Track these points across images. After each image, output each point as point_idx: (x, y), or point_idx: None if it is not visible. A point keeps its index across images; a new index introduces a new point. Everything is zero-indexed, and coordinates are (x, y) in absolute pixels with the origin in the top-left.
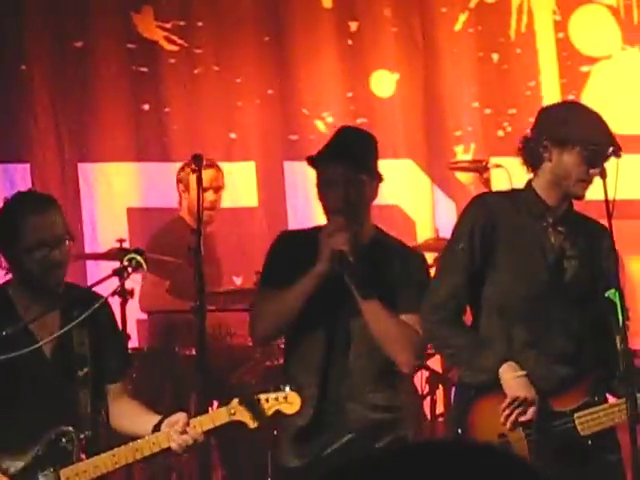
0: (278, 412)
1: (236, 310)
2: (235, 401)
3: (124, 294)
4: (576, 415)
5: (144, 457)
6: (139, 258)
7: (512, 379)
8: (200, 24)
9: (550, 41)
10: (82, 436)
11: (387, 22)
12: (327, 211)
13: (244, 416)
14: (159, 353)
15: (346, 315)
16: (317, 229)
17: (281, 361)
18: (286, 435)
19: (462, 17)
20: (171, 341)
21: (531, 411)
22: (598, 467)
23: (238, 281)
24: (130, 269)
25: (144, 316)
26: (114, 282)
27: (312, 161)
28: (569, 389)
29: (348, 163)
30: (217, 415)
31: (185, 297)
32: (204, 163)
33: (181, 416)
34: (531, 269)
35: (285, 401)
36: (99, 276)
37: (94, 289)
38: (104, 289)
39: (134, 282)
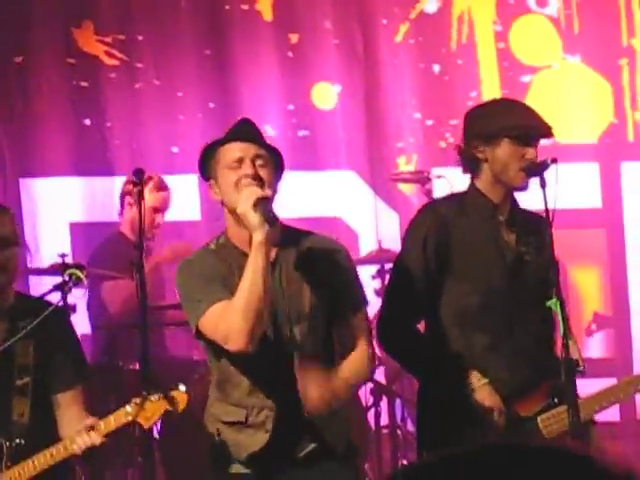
0: (166, 411)
1: (179, 324)
2: (133, 401)
3: (66, 309)
4: (540, 418)
5: (58, 460)
6: (79, 273)
7: (476, 389)
8: (140, 38)
9: (491, 51)
10: (13, 444)
11: (328, 34)
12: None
13: (140, 416)
14: (103, 368)
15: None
16: None
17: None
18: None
19: (403, 28)
20: (115, 356)
21: (499, 420)
22: None
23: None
24: (71, 284)
25: (88, 331)
26: (58, 297)
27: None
28: (531, 392)
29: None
30: (117, 416)
31: (130, 312)
32: (160, 185)
33: (90, 419)
34: (489, 271)
35: (172, 400)
36: (42, 291)
37: (46, 298)
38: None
39: (76, 297)
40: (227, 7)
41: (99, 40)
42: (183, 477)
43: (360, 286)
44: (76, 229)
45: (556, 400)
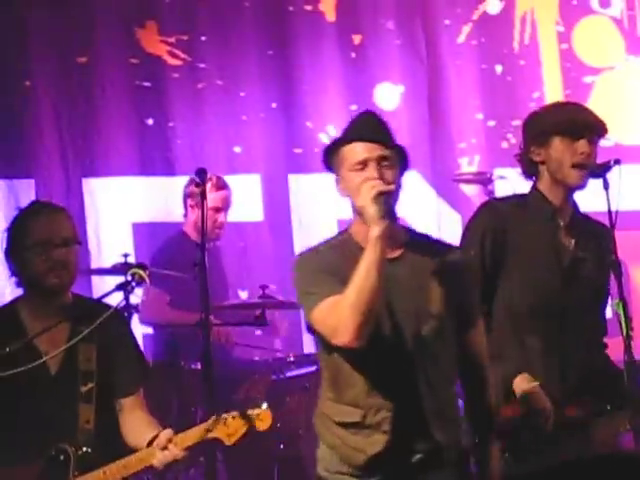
0: (252, 428)
1: (241, 324)
2: (212, 418)
3: (129, 309)
4: (591, 423)
5: (132, 473)
6: (142, 272)
7: (526, 391)
8: (203, 38)
9: (553, 52)
10: (80, 452)
11: (390, 35)
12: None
13: (220, 432)
14: (165, 367)
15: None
16: None
17: (287, 374)
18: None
19: (465, 29)
20: (177, 355)
21: (547, 423)
22: None
23: (243, 295)
24: (133, 283)
25: (150, 331)
26: (121, 297)
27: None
28: (583, 396)
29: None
30: (195, 432)
31: (189, 310)
32: (219, 183)
33: (164, 433)
34: (544, 273)
35: (257, 418)
36: (104, 291)
37: (104, 300)
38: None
39: (139, 297)
40: (290, 8)
41: (162, 40)
42: (245, 477)
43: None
44: (138, 229)
45: (609, 406)
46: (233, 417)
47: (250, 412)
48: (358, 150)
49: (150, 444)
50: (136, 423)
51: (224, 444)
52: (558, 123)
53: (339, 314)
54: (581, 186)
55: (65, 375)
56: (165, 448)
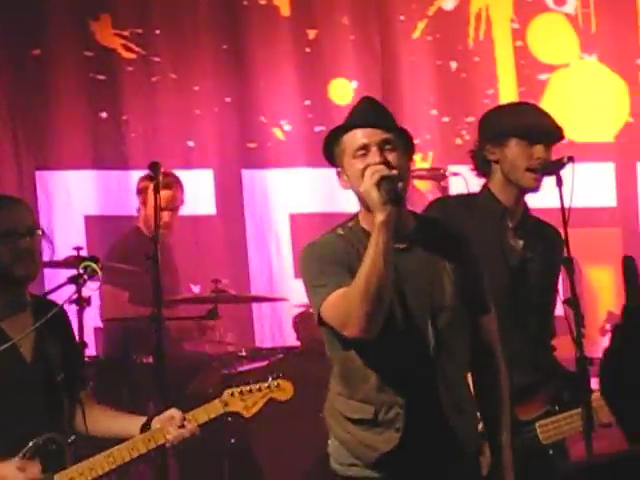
0: (271, 400)
1: (194, 318)
2: (227, 392)
3: (81, 302)
4: (538, 424)
5: (140, 454)
6: (94, 266)
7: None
8: (158, 32)
9: (508, 49)
10: (69, 440)
11: (345, 30)
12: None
13: (237, 406)
14: (116, 361)
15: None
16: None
17: (239, 368)
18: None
19: (420, 25)
20: (128, 349)
21: None
22: (558, 476)
23: (196, 289)
24: (86, 277)
25: (101, 324)
26: (72, 290)
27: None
28: (530, 397)
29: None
30: (211, 407)
31: (145, 305)
32: (164, 181)
33: (175, 412)
34: (492, 273)
35: (278, 388)
36: (56, 284)
37: (50, 297)
38: (61, 297)
39: (91, 290)
40: (245, 2)
41: (117, 34)
42: (195, 471)
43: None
44: (91, 222)
45: (557, 407)
46: (250, 390)
47: (270, 383)
48: (358, 136)
49: (145, 427)
50: (100, 412)
51: (243, 417)
52: (517, 126)
53: (348, 305)
54: (535, 189)
55: (40, 365)
56: (182, 427)
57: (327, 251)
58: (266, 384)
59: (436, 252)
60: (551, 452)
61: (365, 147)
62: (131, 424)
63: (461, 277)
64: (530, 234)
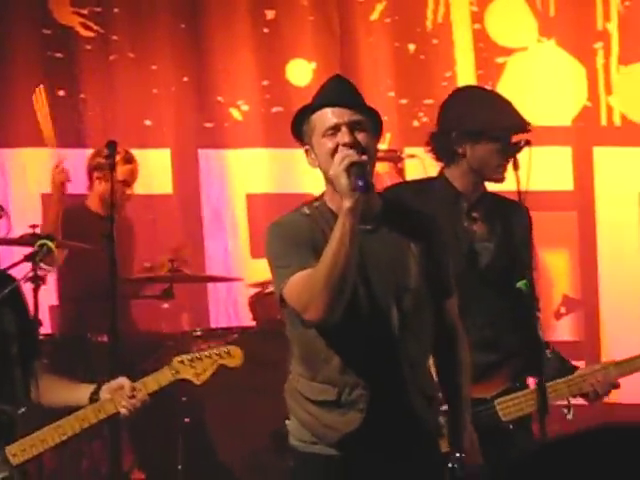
0: (222, 366)
1: (148, 297)
2: (176, 359)
3: (36, 280)
4: (497, 401)
5: (91, 425)
6: (50, 244)
7: (432, 368)
8: (116, 10)
9: (466, 32)
10: (20, 412)
11: (304, 11)
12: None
13: (188, 373)
14: (71, 339)
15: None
16: None
17: (194, 349)
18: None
19: (379, 7)
20: (83, 328)
21: None
22: (519, 452)
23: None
24: (41, 255)
25: (56, 302)
26: (27, 268)
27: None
28: (490, 376)
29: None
30: (161, 376)
31: (100, 284)
32: (127, 157)
33: (125, 381)
34: None
35: (228, 355)
36: (12, 262)
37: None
38: (16, 275)
39: (46, 268)
40: None
41: (75, 12)
42: (149, 449)
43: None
44: (47, 200)
45: (518, 384)
46: (200, 357)
47: (219, 350)
48: (329, 116)
49: (94, 396)
50: (52, 382)
51: (194, 384)
52: (494, 128)
53: (311, 288)
54: (502, 180)
55: None
56: (132, 396)
57: (292, 231)
58: (216, 351)
59: (402, 233)
60: (511, 427)
61: (336, 127)
62: (80, 392)
63: (426, 259)
64: (487, 215)
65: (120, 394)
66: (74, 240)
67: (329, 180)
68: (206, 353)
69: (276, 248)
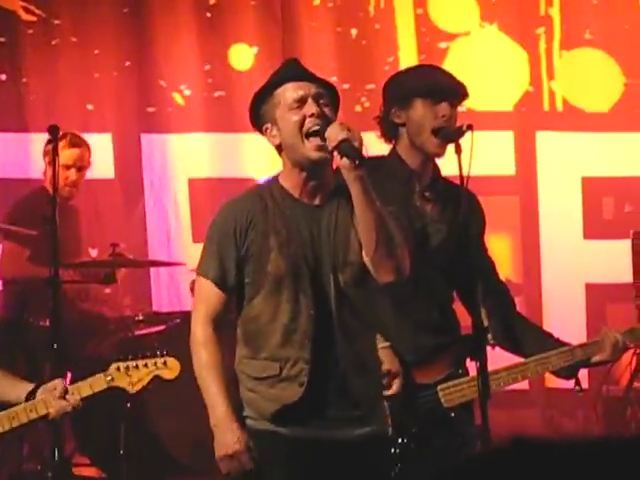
0: (157, 377)
1: (91, 282)
2: (113, 367)
3: None
4: (439, 387)
5: (21, 424)
6: None
7: (378, 351)
8: None
9: (409, 17)
10: None
11: None
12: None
13: (122, 381)
14: (12, 323)
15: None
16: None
17: (136, 333)
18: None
19: None
20: (25, 311)
21: (395, 384)
22: (460, 438)
23: (94, 253)
24: None
25: None
26: None
27: None
28: (433, 360)
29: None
30: (95, 381)
31: (44, 267)
32: (72, 141)
33: (59, 383)
34: None
35: (164, 366)
36: None
37: None
38: None
39: None
40: None
41: None
42: (91, 434)
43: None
44: None
45: (460, 370)
46: (137, 365)
47: (156, 360)
48: (294, 88)
49: (31, 396)
50: None
51: (128, 393)
52: (420, 86)
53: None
54: (439, 154)
55: None
56: (63, 398)
57: (223, 231)
58: (153, 360)
59: (348, 209)
60: (453, 415)
61: (302, 99)
62: (18, 389)
63: None
64: (440, 197)
65: (52, 395)
66: (30, 222)
67: (289, 154)
68: (143, 362)
69: (207, 238)
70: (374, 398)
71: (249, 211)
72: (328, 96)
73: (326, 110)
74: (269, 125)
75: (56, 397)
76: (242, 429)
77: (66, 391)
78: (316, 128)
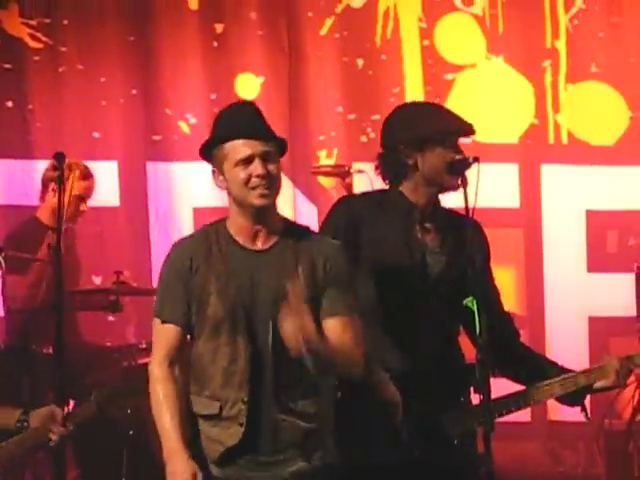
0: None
1: (95, 309)
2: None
3: None
4: (443, 415)
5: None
6: None
7: None
8: (65, 22)
9: (415, 48)
10: None
11: (253, 25)
12: None
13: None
14: (16, 351)
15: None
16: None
17: (139, 361)
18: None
19: (328, 22)
20: (28, 339)
21: (395, 414)
22: (463, 466)
23: (97, 280)
24: None
25: (1, 313)
26: None
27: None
28: (437, 389)
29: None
30: (86, 409)
31: (46, 295)
32: (85, 172)
33: (56, 409)
34: (397, 269)
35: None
36: None
37: None
38: None
39: None
40: None
41: (24, 23)
42: (93, 461)
43: (353, 291)
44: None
45: (463, 399)
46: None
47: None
48: (242, 147)
49: (22, 422)
50: None
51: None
52: (436, 132)
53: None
54: (456, 188)
55: None
56: (63, 425)
57: (173, 269)
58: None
59: (293, 256)
60: (455, 442)
61: (249, 158)
62: (6, 416)
63: (314, 281)
64: (440, 227)
65: (52, 422)
66: (24, 251)
67: (234, 202)
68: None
69: (161, 277)
70: (308, 443)
71: (194, 254)
72: (275, 151)
73: (271, 167)
74: (216, 171)
75: (57, 424)
76: (192, 460)
77: (64, 417)
78: None
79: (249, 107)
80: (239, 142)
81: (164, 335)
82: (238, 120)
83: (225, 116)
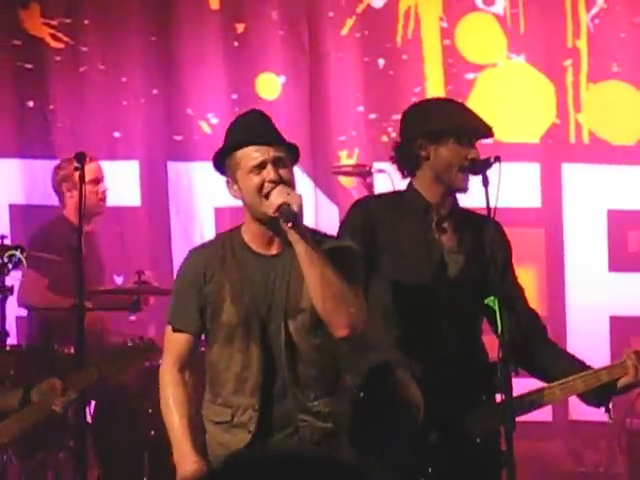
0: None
1: (116, 309)
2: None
3: (4, 291)
4: (465, 413)
5: (28, 426)
6: (19, 255)
7: (400, 383)
8: (87, 22)
9: (436, 48)
10: None
11: (274, 25)
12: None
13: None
14: (38, 351)
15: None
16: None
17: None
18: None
19: (349, 22)
20: (50, 339)
21: (418, 415)
22: (484, 466)
23: (119, 280)
24: (10, 265)
25: (23, 313)
26: None
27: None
28: (459, 388)
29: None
30: (87, 374)
31: (65, 294)
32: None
33: (56, 381)
34: (415, 269)
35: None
36: None
37: None
38: None
39: (14, 279)
40: None
41: (45, 23)
42: (114, 462)
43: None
44: (15, 211)
45: (484, 397)
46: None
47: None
48: (254, 154)
49: (25, 400)
50: None
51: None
52: (453, 125)
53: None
54: (465, 189)
55: None
56: (63, 394)
57: (187, 277)
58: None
59: None
60: (478, 441)
61: (261, 164)
62: (8, 398)
63: None
64: (458, 227)
65: (53, 394)
66: (55, 251)
67: (249, 210)
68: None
69: (173, 295)
70: (326, 443)
71: (209, 262)
72: (287, 157)
73: (284, 172)
74: (230, 181)
75: (58, 394)
76: (203, 462)
77: (64, 388)
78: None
79: (257, 114)
80: (250, 149)
81: (174, 342)
82: (248, 127)
83: (234, 126)
